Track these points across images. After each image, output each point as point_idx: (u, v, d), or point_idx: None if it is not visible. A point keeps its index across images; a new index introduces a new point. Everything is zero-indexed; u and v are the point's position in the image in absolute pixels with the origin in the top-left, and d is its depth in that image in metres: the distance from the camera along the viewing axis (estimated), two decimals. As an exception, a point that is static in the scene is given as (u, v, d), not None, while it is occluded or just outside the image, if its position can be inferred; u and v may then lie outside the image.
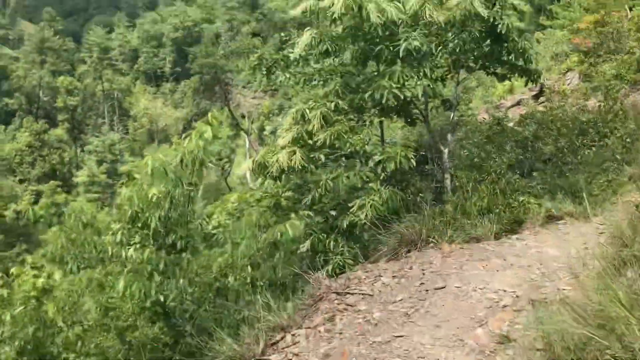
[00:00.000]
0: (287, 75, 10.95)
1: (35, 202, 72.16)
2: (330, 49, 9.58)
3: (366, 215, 8.31)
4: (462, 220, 8.42)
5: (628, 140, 12.92)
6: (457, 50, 10.06)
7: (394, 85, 8.84)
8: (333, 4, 8.70)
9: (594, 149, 13.02)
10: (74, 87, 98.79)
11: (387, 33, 9.52)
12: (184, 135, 7.68)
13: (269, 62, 11.02)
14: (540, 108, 22.34)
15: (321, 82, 10.58)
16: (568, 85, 26.66)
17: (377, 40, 9.55)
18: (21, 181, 77.50)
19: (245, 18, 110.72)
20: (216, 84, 42.53)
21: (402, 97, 8.88)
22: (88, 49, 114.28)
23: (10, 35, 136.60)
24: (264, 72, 11.11)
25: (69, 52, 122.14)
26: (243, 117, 79.93)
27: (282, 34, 13.05)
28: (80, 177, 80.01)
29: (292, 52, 10.83)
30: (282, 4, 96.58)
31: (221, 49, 46.09)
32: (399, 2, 9.47)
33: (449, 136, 10.99)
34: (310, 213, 9.00)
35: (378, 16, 8.77)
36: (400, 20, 9.38)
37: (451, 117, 11.15)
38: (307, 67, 10.90)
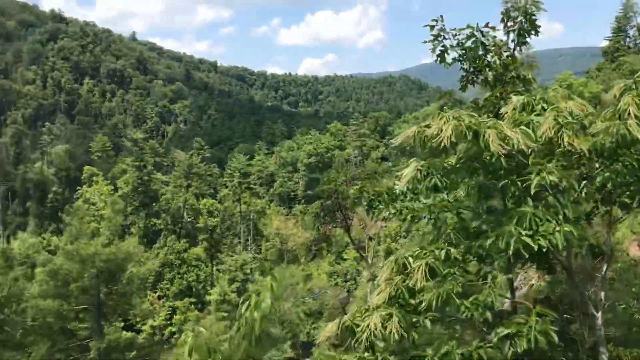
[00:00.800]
0: (392, 210, 9.34)
1: (171, 318, 74.95)
2: (439, 184, 7.81)
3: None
4: None
5: None
6: (608, 185, 7.79)
7: (524, 232, 6.76)
8: (442, 131, 7.04)
9: None
10: (215, 208, 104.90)
11: (513, 164, 7.60)
12: (241, 301, 6.11)
13: (371, 195, 9.53)
14: None
15: (432, 221, 8.75)
16: None
17: (501, 173, 7.64)
18: (160, 297, 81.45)
19: (375, 144, 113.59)
20: (337, 209, 42.05)
21: (535, 247, 6.74)
22: (230, 174, 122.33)
23: (165, 162, 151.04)
24: (365, 206, 9.66)
25: (214, 177, 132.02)
26: (371, 239, 78.88)
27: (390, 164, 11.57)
28: (213, 295, 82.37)
29: (398, 185, 9.28)
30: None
31: (342, 175, 46.14)
32: (528, 127, 7.61)
33: (602, 295, 8.37)
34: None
35: (500, 144, 6.93)
36: (529, 150, 7.45)
37: (603, 270, 8.57)
38: (415, 201, 9.21)
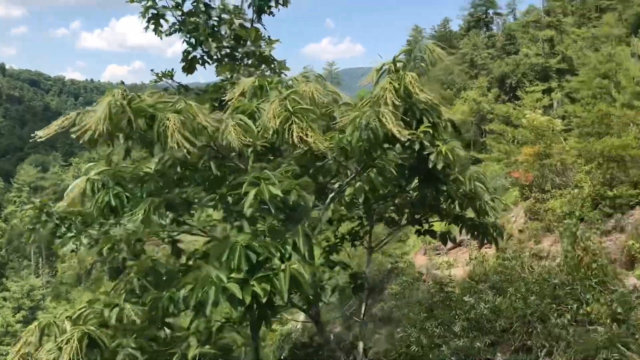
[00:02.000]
0: (85, 241, 6.35)
1: (-59, 361, 63.22)
2: (116, 203, 4.99)
3: None
4: None
5: (619, 310, 9.63)
6: (362, 198, 5.65)
7: (226, 277, 4.23)
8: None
9: (574, 324, 9.83)
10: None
11: (225, 170, 5.11)
12: None
13: (55, 220, 6.42)
14: (489, 253, 18.62)
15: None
16: (513, 222, 23.61)
17: (209, 183, 5.08)
18: None
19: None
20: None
21: (247, 300, 4.26)
22: (18, 189, 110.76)
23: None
24: (49, 234, 6.54)
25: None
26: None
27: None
28: (-6, 328, 73.12)
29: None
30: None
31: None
32: (254, 118, 5.19)
33: (361, 346, 6.25)
34: None
35: (187, 139, 4.32)
36: (249, 149, 5.00)
37: (362, 309, 6.47)
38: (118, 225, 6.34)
